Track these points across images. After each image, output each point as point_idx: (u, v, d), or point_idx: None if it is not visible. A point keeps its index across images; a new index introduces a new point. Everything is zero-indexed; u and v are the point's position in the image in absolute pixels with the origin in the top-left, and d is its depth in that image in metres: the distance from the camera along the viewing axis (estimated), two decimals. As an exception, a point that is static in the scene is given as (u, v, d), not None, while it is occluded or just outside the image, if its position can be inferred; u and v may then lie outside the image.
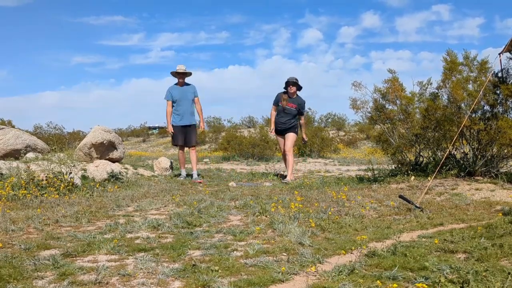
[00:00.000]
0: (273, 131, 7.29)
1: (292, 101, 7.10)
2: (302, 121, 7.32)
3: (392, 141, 6.27)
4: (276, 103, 7.19)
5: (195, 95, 7.35)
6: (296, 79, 7.09)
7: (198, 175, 7.54)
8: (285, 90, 7.18)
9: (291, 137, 7.16)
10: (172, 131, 7.32)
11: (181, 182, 6.82)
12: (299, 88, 7.17)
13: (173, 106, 7.29)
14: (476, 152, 5.62)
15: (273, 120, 7.27)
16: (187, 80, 7.44)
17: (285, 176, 7.23)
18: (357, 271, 2.32)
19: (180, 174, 7.54)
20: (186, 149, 7.61)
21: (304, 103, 7.17)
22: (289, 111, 7.09)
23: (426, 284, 1.99)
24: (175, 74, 7.34)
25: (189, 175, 7.49)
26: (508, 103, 5.50)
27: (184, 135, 7.28)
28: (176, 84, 7.38)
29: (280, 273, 2.30)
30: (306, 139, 7.61)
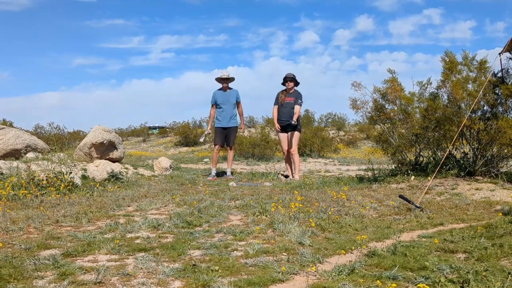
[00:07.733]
0: (279, 128, 7.44)
1: (290, 95, 7.37)
2: (296, 109, 7.27)
3: (392, 141, 6.27)
4: (277, 102, 7.47)
5: (237, 99, 7.89)
6: (293, 75, 7.38)
7: (231, 173, 8.06)
8: (285, 88, 7.47)
9: (296, 136, 7.31)
10: (209, 131, 8.37)
11: (207, 181, 7.24)
12: (297, 83, 7.44)
13: (217, 109, 7.91)
14: (476, 152, 5.62)
15: (275, 117, 7.48)
16: (230, 84, 7.93)
17: (287, 176, 7.36)
18: (357, 271, 2.32)
19: (210, 174, 7.93)
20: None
21: (301, 96, 7.32)
22: (287, 105, 7.32)
23: (427, 284, 1.99)
24: (220, 80, 7.85)
25: (223, 172, 8.08)
26: (508, 103, 5.50)
27: (225, 136, 7.84)
28: (220, 89, 7.89)
29: (280, 273, 2.30)
30: (295, 121, 7.21)
